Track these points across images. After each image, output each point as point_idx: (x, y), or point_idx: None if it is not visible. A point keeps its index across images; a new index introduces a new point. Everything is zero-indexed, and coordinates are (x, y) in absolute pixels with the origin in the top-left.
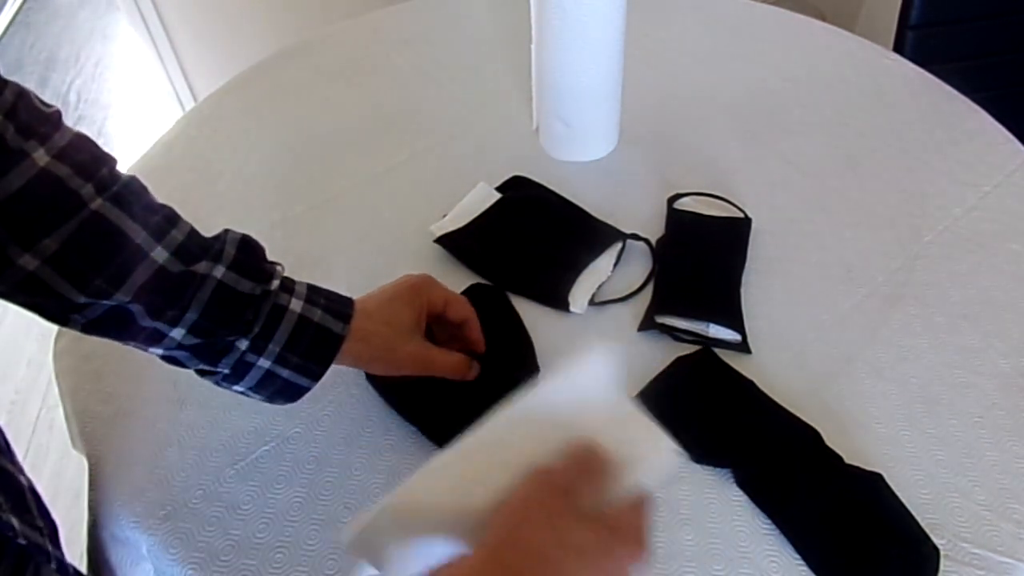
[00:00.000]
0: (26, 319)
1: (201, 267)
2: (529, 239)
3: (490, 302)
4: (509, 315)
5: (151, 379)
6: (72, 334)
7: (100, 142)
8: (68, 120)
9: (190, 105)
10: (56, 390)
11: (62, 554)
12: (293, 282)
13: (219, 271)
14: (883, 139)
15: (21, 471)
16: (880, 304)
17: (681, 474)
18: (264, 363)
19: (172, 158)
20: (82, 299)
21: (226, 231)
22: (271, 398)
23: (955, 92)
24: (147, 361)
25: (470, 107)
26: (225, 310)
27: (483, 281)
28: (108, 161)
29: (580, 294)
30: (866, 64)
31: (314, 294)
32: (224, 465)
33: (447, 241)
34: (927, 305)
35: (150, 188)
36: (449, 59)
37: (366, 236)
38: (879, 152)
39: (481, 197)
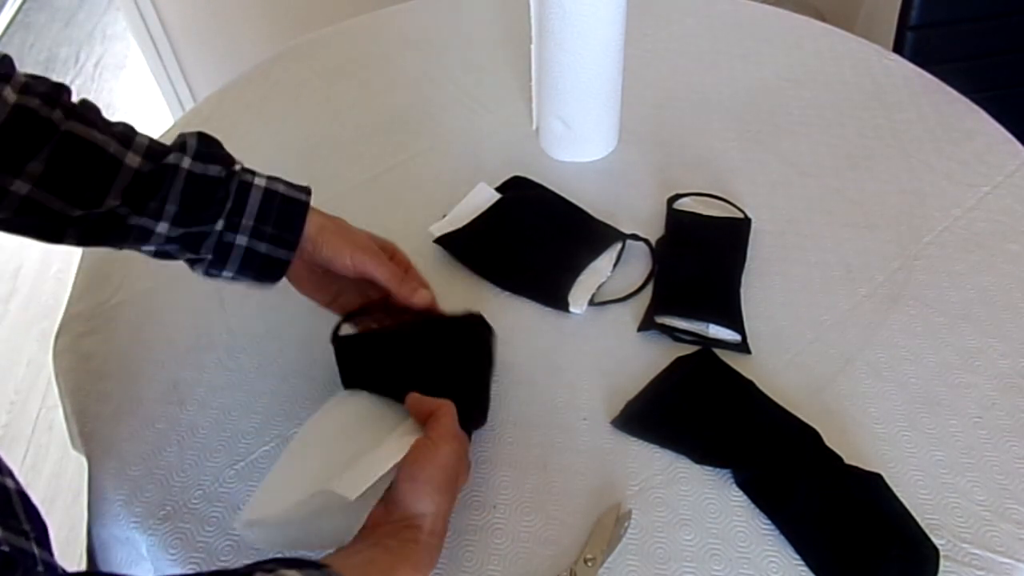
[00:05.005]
0: (26, 319)
1: (170, 159)
2: (529, 239)
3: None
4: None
5: (151, 379)
6: (72, 334)
7: None
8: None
9: (190, 105)
10: (56, 390)
11: (50, 556)
12: (253, 169)
13: (186, 162)
14: (883, 139)
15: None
16: (880, 304)
17: (681, 474)
18: (242, 240)
19: None
20: (77, 212)
21: (182, 133)
22: (259, 278)
23: (955, 92)
24: (147, 361)
25: (470, 107)
26: (199, 195)
27: (484, 281)
28: (64, 89)
29: (580, 294)
30: (866, 64)
31: (273, 177)
32: (224, 465)
33: (447, 241)
34: (927, 305)
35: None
36: (449, 59)
37: None
38: (879, 152)
39: (481, 197)
